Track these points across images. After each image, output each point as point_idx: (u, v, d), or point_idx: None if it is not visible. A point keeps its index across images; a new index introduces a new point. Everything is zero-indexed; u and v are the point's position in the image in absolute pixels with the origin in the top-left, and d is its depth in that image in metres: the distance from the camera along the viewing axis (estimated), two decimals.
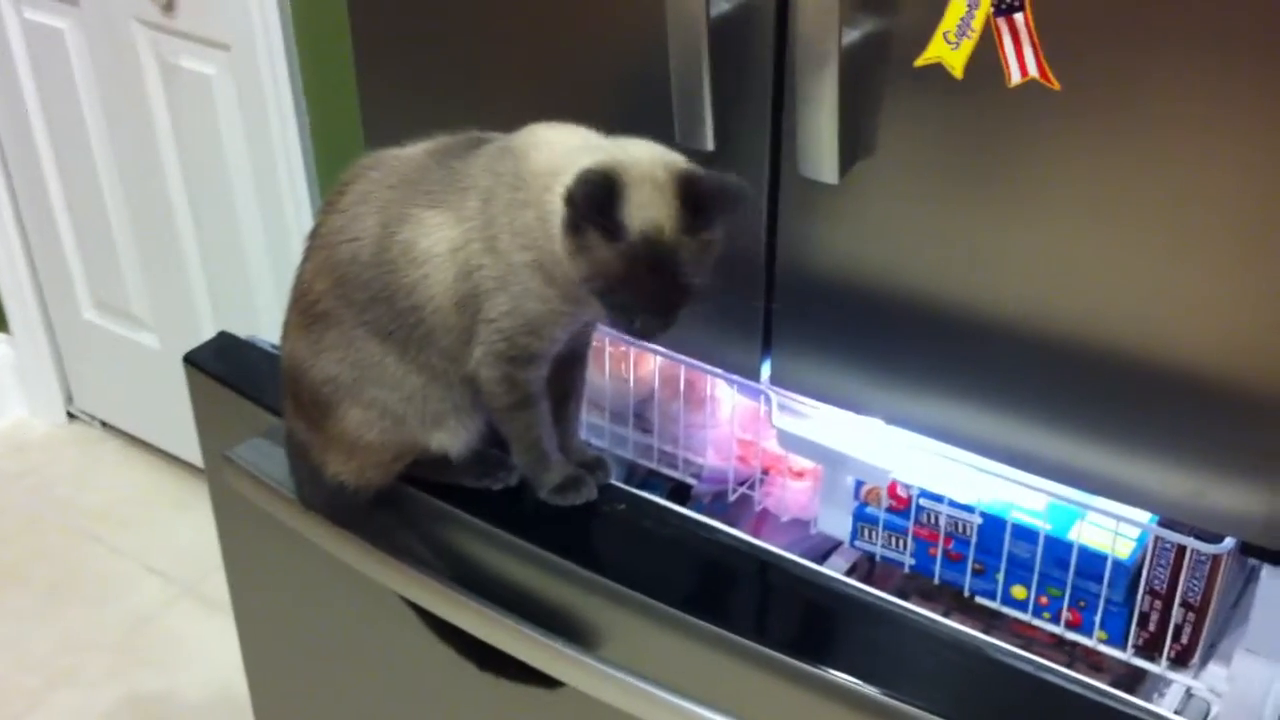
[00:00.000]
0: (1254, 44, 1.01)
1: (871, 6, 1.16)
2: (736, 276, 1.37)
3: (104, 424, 3.02)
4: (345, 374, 1.32)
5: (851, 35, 1.17)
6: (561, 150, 1.23)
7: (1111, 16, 1.06)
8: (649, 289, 1.18)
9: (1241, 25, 1.01)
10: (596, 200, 1.15)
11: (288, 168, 2.19)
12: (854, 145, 1.21)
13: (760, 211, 1.32)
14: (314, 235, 1.35)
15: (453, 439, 1.36)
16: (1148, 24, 1.05)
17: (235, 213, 2.33)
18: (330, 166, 2.19)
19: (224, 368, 1.59)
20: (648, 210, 1.16)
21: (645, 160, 1.19)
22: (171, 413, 2.58)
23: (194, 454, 2.65)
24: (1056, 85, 1.09)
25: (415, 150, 1.32)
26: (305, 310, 1.34)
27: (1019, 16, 1.07)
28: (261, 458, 1.47)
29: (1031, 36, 1.08)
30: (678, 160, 1.21)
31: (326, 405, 1.34)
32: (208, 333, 2.50)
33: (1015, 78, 1.10)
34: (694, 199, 1.17)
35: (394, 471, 1.38)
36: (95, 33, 2.37)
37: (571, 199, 1.17)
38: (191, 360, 1.60)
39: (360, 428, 1.33)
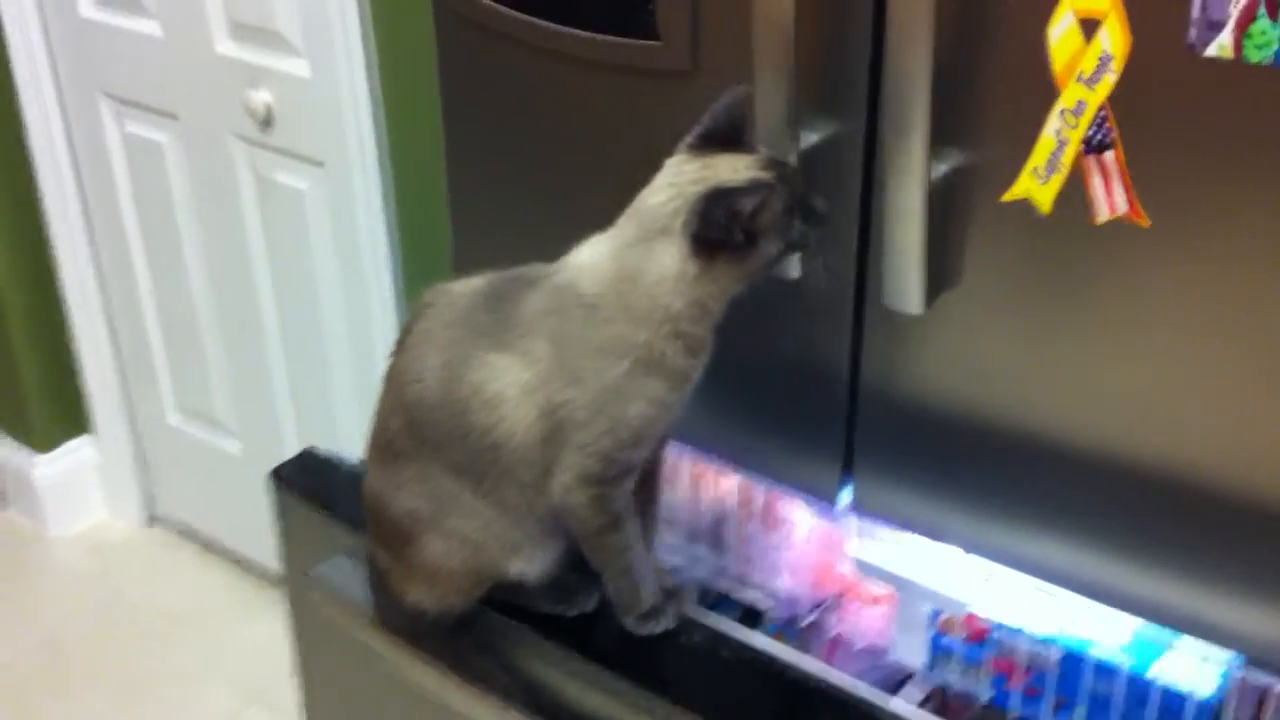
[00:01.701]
0: None
1: (957, 140, 1.18)
2: (819, 402, 1.38)
3: (183, 528, 3.06)
4: (424, 506, 1.35)
5: (938, 169, 1.19)
6: (607, 261, 1.28)
7: (1199, 153, 1.07)
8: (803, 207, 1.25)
9: None
10: (722, 202, 1.21)
11: (377, 284, 2.23)
12: (939, 276, 1.23)
13: (844, 338, 1.33)
14: (387, 374, 1.38)
15: (530, 565, 1.38)
16: (1236, 160, 1.06)
17: (322, 326, 2.38)
18: (418, 285, 2.23)
19: (309, 485, 1.62)
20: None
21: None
22: (250, 518, 2.62)
23: (271, 560, 2.69)
24: (1146, 222, 1.10)
25: (469, 289, 1.35)
26: (383, 447, 1.38)
27: (1109, 155, 1.08)
28: (343, 577, 1.49)
29: (1122, 174, 1.09)
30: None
31: (407, 536, 1.37)
32: (290, 442, 2.55)
33: (1103, 214, 1.11)
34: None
35: (473, 597, 1.40)
36: (194, 146, 2.44)
37: (706, 215, 1.21)
38: (277, 476, 1.63)
39: (441, 557, 1.36)
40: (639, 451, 1.31)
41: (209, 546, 3.00)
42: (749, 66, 1.24)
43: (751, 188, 1.21)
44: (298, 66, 2.16)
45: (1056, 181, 1.11)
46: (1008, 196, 1.15)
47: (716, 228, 1.21)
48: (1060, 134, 1.10)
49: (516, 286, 1.32)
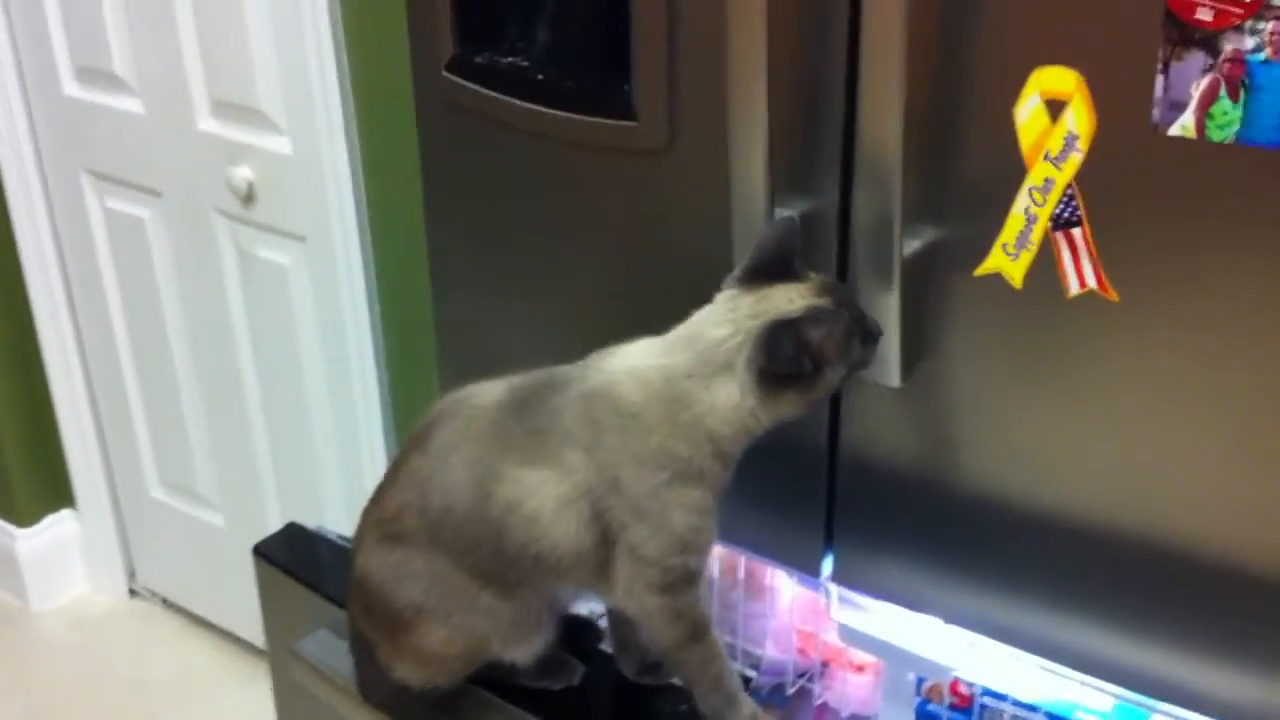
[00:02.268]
0: None
1: (931, 216, 1.20)
2: (799, 474, 1.39)
3: (165, 601, 3.04)
4: (430, 601, 1.34)
5: (912, 244, 1.21)
6: (656, 379, 1.26)
7: (1166, 229, 1.10)
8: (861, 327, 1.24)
9: None
10: (787, 333, 1.20)
11: (359, 358, 2.24)
12: (915, 349, 1.25)
13: (824, 411, 1.35)
14: (400, 467, 1.38)
15: (528, 651, 1.38)
16: (1200, 235, 1.09)
17: (305, 400, 2.38)
18: (401, 358, 2.24)
19: (292, 559, 1.62)
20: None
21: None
22: (233, 591, 2.61)
23: (253, 632, 2.68)
24: (1115, 297, 1.12)
25: (491, 398, 1.34)
26: (389, 535, 1.37)
27: (1077, 231, 1.11)
28: (327, 651, 1.49)
29: (1090, 250, 1.11)
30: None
31: (406, 624, 1.36)
32: (272, 515, 2.55)
33: (1074, 289, 1.13)
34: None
35: (461, 676, 1.40)
36: (176, 222, 2.45)
37: (771, 349, 1.21)
38: (261, 551, 1.63)
39: (440, 645, 1.36)
40: (695, 558, 1.30)
41: (192, 620, 2.98)
42: (725, 145, 1.26)
43: (816, 316, 1.21)
44: (279, 143, 2.17)
45: (1026, 257, 1.14)
46: (979, 271, 1.17)
47: (784, 361, 1.21)
48: (1029, 211, 1.12)
49: (542, 395, 1.31)
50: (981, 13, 1.12)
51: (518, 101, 1.46)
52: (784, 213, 1.28)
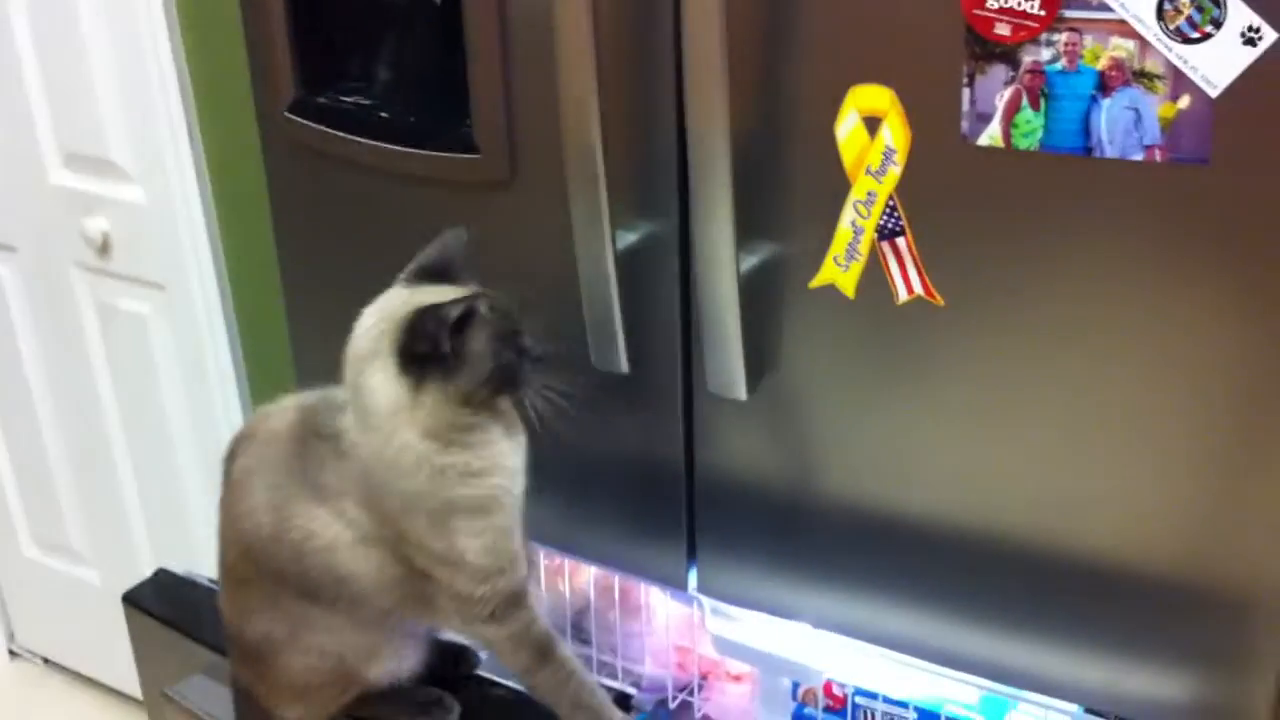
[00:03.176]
0: (1131, 254, 1.09)
1: (765, 233, 1.24)
2: (659, 491, 1.41)
3: (46, 660, 2.98)
4: (277, 629, 1.34)
5: (749, 260, 1.24)
6: (347, 411, 1.27)
7: (983, 234, 1.14)
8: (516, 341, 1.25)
9: (1116, 235, 1.09)
10: (428, 315, 1.21)
11: (223, 402, 2.22)
12: (759, 362, 1.27)
13: (677, 427, 1.37)
14: (220, 505, 1.38)
15: (393, 667, 1.38)
16: (1016, 238, 1.13)
17: (172, 448, 2.35)
18: (266, 399, 2.23)
19: (163, 606, 1.61)
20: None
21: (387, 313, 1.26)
22: (113, 647, 2.56)
23: (136, 688, 2.64)
24: (940, 301, 1.16)
25: (283, 424, 1.34)
26: (227, 575, 1.37)
27: (901, 240, 1.15)
28: (201, 695, 1.48)
29: (915, 258, 1.15)
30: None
31: (266, 657, 1.36)
32: (147, 567, 2.49)
33: (902, 296, 1.17)
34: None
35: (342, 704, 1.39)
36: (32, 278, 2.41)
37: (412, 329, 1.21)
38: (130, 599, 1.62)
39: (303, 673, 1.36)
40: (505, 580, 1.29)
41: (74, 677, 2.93)
42: (564, 174, 1.28)
43: (456, 301, 1.21)
44: (132, 192, 2.15)
45: (856, 268, 1.17)
46: (814, 283, 1.20)
47: (423, 339, 1.20)
48: (855, 223, 1.16)
49: (317, 435, 1.30)
50: (797, 38, 1.15)
51: (362, 140, 1.47)
52: (628, 237, 1.31)
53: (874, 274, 1.18)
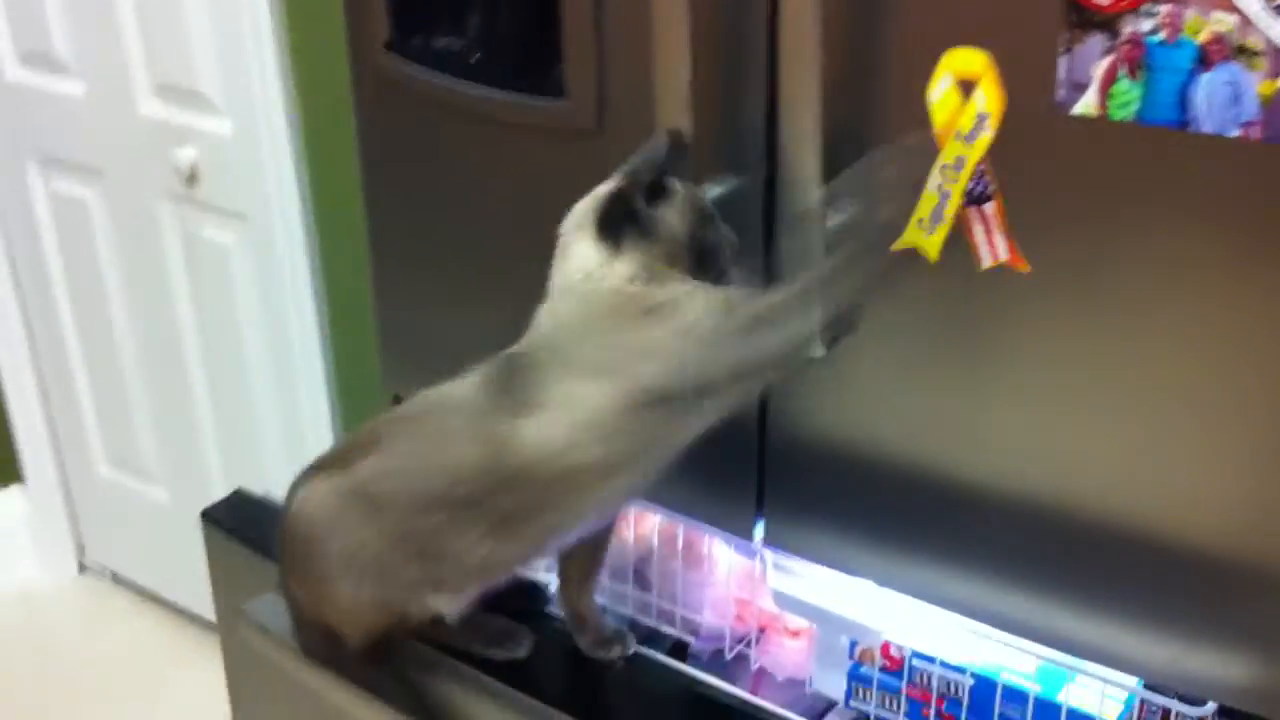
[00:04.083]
0: (1221, 235, 1.09)
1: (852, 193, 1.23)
2: (730, 442, 1.42)
3: (115, 576, 3.05)
4: (361, 555, 1.35)
5: (835, 218, 1.24)
6: (547, 310, 1.33)
7: (1072, 204, 1.14)
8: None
9: (1206, 213, 1.09)
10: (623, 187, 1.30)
11: (301, 335, 2.26)
12: (839, 321, 1.28)
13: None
14: (383, 437, 1.38)
15: (451, 603, 1.39)
16: (1103, 211, 1.13)
17: (248, 376, 2.40)
18: (343, 334, 2.26)
19: (239, 524, 1.64)
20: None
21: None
22: (182, 566, 2.63)
23: (203, 606, 2.70)
24: (1027, 268, 1.16)
25: (468, 387, 1.35)
26: (349, 490, 1.36)
27: (989, 206, 1.14)
28: (274, 614, 1.50)
29: (1002, 224, 1.15)
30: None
31: (333, 576, 1.37)
32: (218, 489, 2.56)
33: (986, 262, 1.17)
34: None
35: (392, 628, 1.41)
36: (119, 203, 2.46)
37: (611, 200, 1.30)
38: (208, 516, 1.65)
39: (365, 602, 1.37)
40: (710, 401, 1.29)
41: (142, 595, 3.00)
42: (652, 125, 1.29)
43: (652, 169, 1.30)
44: (220, 124, 2.19)
45: (942, 231, 1.17)
46: (897, 246, 1.20)
47: (619, 204, 1.29)
48: (942, 188, 1.15)
49: (516, 369, 1.33)
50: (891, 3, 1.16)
51: (453, 80, 1.49)
52: (713, 190, 1.31)
53: (958, 239, 1.18)
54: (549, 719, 1.37)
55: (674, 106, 1.27)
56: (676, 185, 1.31)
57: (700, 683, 1.44)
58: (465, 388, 1.35)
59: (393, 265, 1.70)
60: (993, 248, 1.16)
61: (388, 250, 1.69)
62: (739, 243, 1.32)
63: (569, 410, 1.29)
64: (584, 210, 1.33)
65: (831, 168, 1.21)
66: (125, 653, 2.87)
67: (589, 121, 1.39)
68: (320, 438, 2.31)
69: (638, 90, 1.31)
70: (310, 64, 2.05)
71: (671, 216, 1.30)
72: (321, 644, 1.43)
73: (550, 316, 1.34)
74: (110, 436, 2.82)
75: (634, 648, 1.50)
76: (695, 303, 1.27)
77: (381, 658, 1.44)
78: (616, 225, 1.30)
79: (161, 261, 2.44)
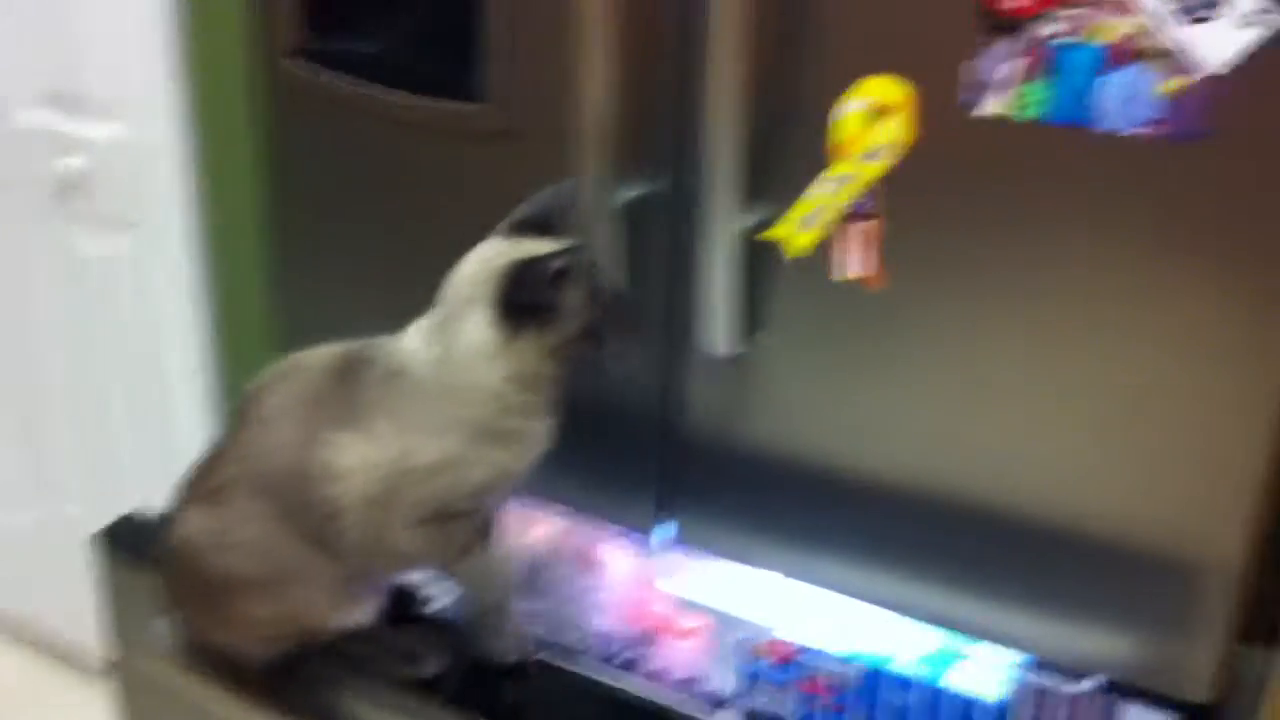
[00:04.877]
0: (1120, 229, 1.18)
1: (764, 196, 1.30)
2: (634, 441, 1.47)
3: None
4: (259, 566, 1.38)
5: (747, 221, 1.30)
6: (425, 344, 1.34)
7: (985, 205, 1.22)
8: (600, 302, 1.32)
9: (1109, 209, 1.18)
10: (531, 268, 1.28)
11: (182, 346, 2.24)
12: (747, 321, 1.34)
13: (660, 380, 1.43)
14: (236, 439, 1.41)
15: (361, 613, 1.43)
16: (1017, 212, 1.21)
17: (117, 391, 2.36)
18: (231, 342, 2.24)
19: (132, 546, 1.62)
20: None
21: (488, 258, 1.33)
22: (54, 596, 2.55)
23: (68, 641, 2.62)
24: (880, 288, 1.25)
25: (319, 364, 1.40)
26: (213, 498, 1.40)
27: (869, 224, 1.23)
28: (175, 635, 1.50)
29: (878, 243, 1.24)
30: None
31: (231, 592, 1.39)
32: (76, 508, 2.50)
33: (846, 274, 1.27)
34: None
35: (300, 643, 1.43)
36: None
37: (515, 280, 1.28)
38: (103, 539, 1.63)
39: (267, 612, 1.40)
40: (480, 501, 1.37)
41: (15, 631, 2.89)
42: (572, 128, 1.33)
43: (558, 254, 1.28)
44: (109, 130, 2.15)
45: (813, 235, 1.26)
46: (764, 236, 1.28)
47: (524, 292, 1.28)
48: (825, 197, 1.23)
49: (360, 366, 1.37)
50: (812, 6, 1.22)
51: (369, 86, 1.51)
52: (626, 194, 1.36)
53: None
54: None
55: (593, 110, 1.31)
56: (577, 257, 1.30)
57: (602, 683, 1.46)
58: (321, 361, 1.39)
59: (298, 273, 1.70)
60: (855, 263, 1.25)
61: (293, 257, 1.69)
62: (626, 307, 1.35)
63: (373, 449, 1.33)
64: (484, 277, 1.30)
65: (750, 174, 1.27)
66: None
67: (508, 124, 1.42)
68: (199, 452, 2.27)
69: (556, 91, 1.35)
70: (206, 69, 2.04)
71: (573, 300, 1.30)
72: (223, 667, 1.44)
73: (424, 351, 1.34)
74: None
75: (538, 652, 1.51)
76: (525, 450, 1.35)
77: (285, 677, 1.44)
78: (518, 310, 1.29)
79: (33, 274, 2.37)
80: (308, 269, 1.68)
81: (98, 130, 2.17)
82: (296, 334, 1.70)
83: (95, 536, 1.63)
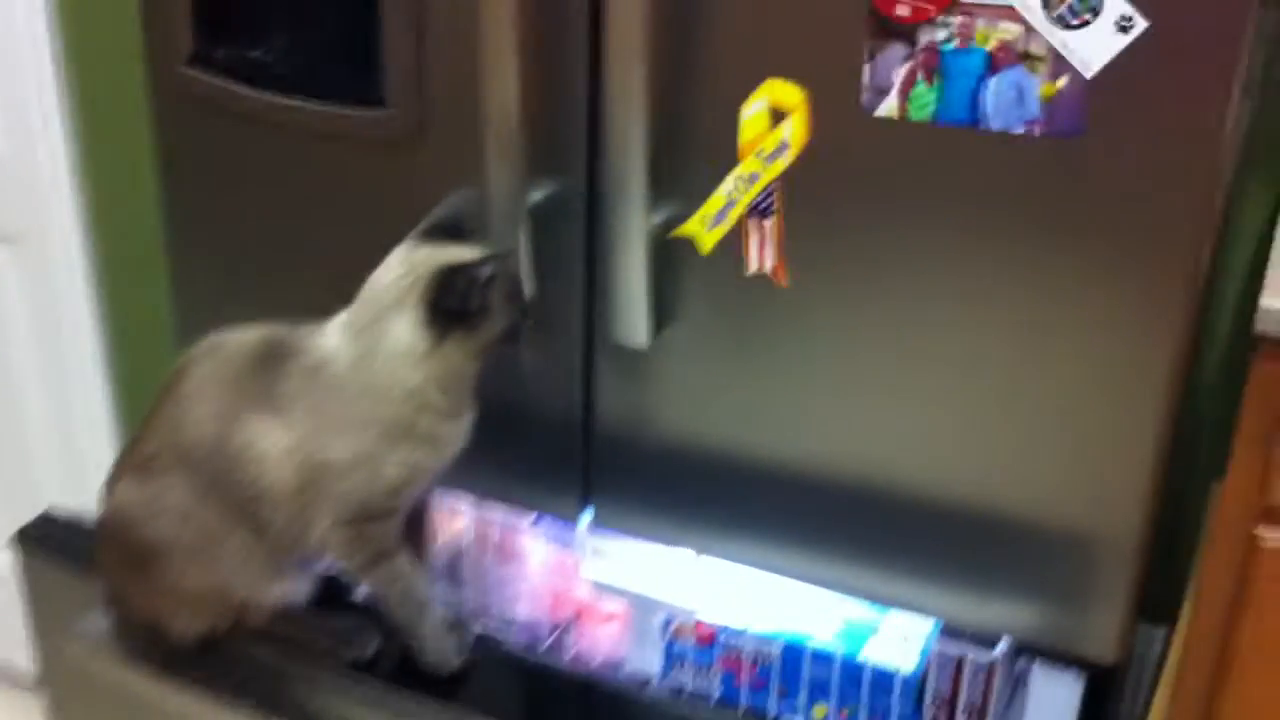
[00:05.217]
0: (1006, 222, 1.23)
1: (672, 193, 1.33)
2: (556, 431, 1.50)
3: None
4: (183, 534, 1.40)
5: (655, 218, 1.33)
6: (346, 341, 1.36)
7: (880, 199, 1.26)
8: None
9: (995, 204, 1.23)
10: (461, 272, 1.31)
11: (79, 360, 2.21)
12: (661, 313, 1.37)
13: (577, 372, 1.46)
14: (157, 410, 1.43)
15: (289, 590, 1.45)
16: (911, 207, 1.25)
17: (18, 403, 2.32)
18: (128, 357, 2.22)
19: (53, 544, 1.62)
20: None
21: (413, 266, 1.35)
22: None
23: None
24: (785, 283, 1.30)
25: (242, 346, 1.41)
26: (145, 471, 1.41)
27: (769, 221, 1.28)
28: (104, 629, 1.50)
29: (778, 239, 1.28)
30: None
31: (159, 559, 1.41)
32: None
33: (753, 268, 1.31)
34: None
35: (218, 621, 1.45)
36: None
37: (445, 285, 1.31)
38: (23, 537, 1.63)
39: (191, 581, 1.42)
40: (398, 500, 1.40)
41: None
42: (477, 131, 1.35)
43: (486, 259, 1.32)
44: None
45: (719, 231, 1.30)
46: (676, 233, 1.32)
47: (454, 296, 1.31)
48: (731, 195, 1.27)
49: (281, 353, 1.38)
50: (711, 10, 1.25)
51: (265, 94, 1.51)
52: (536, 194, 1.38)
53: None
54: (394, 707, 1.41)
55: (502, 112, 1.33)
56: (502, 262, 1.33)
57: (530, 661, 1.51)
58: (244, 343, 1.41)
59: (196, 279, 1.69)
60: (761, 258, 1.29)
61: (189, 266, 1.69)
62: (533, 295, 1.40)
63: (289, 438, 1.36)
64: (411, 281, 1.33)
65: (654, 173, 1.30)
66: None
67: (411, 128, 1.44)
68: (101, 463, 2.24)
69: (460, 94, 1.37)
70: (90, 78, 2.01)
71: (498, 303, 1.33)
72: (154, 648, 1.45)
73: (345, 349, 1.36)
74: None
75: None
76: (441, 449, 1.38)
77: (218, 660, 1.46)
78: (447, 314, 1.32)
79: None
80: (206, 275, 1.68)
81: None
82: (196, 339, 1.71)
83: (14, 536, 1.63)
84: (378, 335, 1.34)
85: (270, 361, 1.38)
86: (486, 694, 1.44)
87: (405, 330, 1.33)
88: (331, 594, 1.51)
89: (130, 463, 1.44)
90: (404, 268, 1.34)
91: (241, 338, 1.42)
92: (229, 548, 1.39)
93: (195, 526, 1.39)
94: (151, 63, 1.60)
